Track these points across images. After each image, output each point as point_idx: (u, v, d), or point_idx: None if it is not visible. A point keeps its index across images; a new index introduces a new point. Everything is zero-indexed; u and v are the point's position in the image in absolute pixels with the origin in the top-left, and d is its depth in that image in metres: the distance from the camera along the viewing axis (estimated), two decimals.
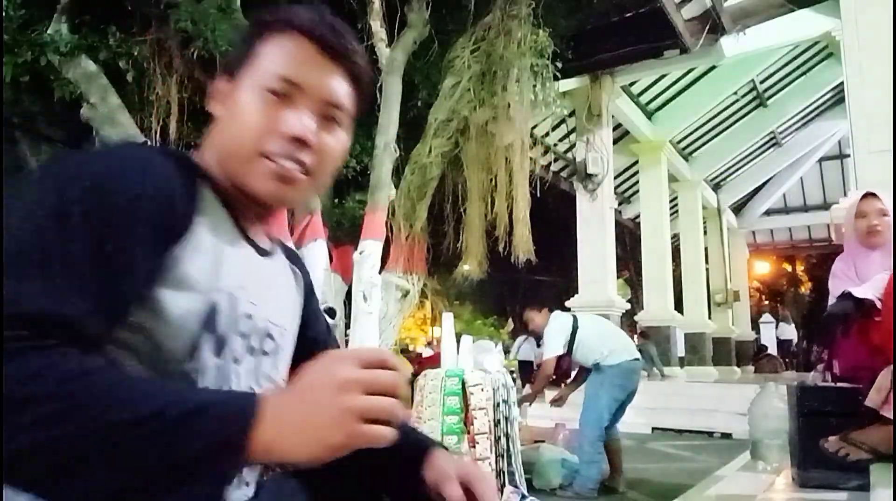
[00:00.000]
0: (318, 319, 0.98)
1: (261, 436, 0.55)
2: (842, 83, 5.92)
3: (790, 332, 16.22)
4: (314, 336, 0.95)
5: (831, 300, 2.46)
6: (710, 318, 12.00)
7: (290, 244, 0.95)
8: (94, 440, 0.51)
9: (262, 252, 0.83)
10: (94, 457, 0.51)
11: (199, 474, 0.54)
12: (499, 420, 3.36)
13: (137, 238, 0.63)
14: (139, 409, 0.53)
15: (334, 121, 0.79)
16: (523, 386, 14.23)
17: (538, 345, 16.09)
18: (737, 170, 13.88)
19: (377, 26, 5.78)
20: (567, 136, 9.52)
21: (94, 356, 0.57)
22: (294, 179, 0.76)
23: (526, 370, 14.76)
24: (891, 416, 1.90)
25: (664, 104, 10.33)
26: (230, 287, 0.73)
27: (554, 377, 4.47)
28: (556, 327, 4.25)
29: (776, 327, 16.56)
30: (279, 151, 0.74)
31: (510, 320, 25.29)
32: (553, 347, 4.15)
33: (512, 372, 15.31)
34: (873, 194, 2.51)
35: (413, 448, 0.87)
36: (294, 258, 0.96)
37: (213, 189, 0.76)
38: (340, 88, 0.79)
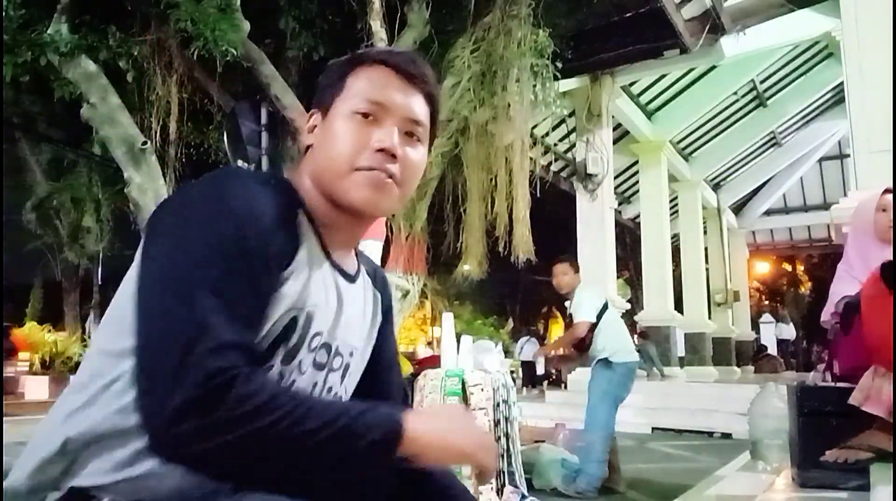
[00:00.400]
0: (389, 343, 1.05)
1: (411, 434, 0.72)
2: (842, 83, 5.91)
3: (788, 332, 16.23)
4: (381, 360, 1.02)
5: (829, 305, 2.45)
6: (710, 318, 12.00)
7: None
8: (298, 437, 0.67)
9: (346, 276, 0.91)
10: (298, 449, 0.68)
11: (366, 459, 0.70)
12: (499, 420, 3.36)
13: (272, 271, 0.76)
14: (327, 414, 0.69)
15: (415, 136, 0.89)
16: (524, 387, 14.29)
17: (540, 343, 15.92)
18: (737, 170, 13.88)
19: (377, 26, 5.78)
20: (567, 136, 9.52)
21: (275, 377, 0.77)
22: (385, 186, 0.85)
23: (529, 371, 14.79)
24: (873, 412, 1.91)
25: (664, 104, 10.33)
26: (308, 306, 0.82)
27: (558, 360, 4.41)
28: (593, 293, 4.16)
29: (776, 327, 16.57)
30: (370, 163, 0.84)
31: (510, 320, 25.31)
32: (588, 312, 4.02)
33: (512, 372, 15.31)
34: (893, 191, 2.50)
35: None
36: (379, 280, 1.04)
37: (306, 214, 0.85)
38: (419, 107, 0.89)
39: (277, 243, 0.76)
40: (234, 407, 0.64)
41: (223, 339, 0.66)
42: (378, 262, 5.43)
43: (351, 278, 0.92)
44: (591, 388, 4.04)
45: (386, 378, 1.02)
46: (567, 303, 4.33)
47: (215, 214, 0.73)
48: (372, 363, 0.99)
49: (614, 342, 4.03)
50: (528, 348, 14.99)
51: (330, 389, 0.89)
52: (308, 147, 0.90)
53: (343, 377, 0.92)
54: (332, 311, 0.86)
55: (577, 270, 4.23)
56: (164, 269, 0.71)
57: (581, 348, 4.09)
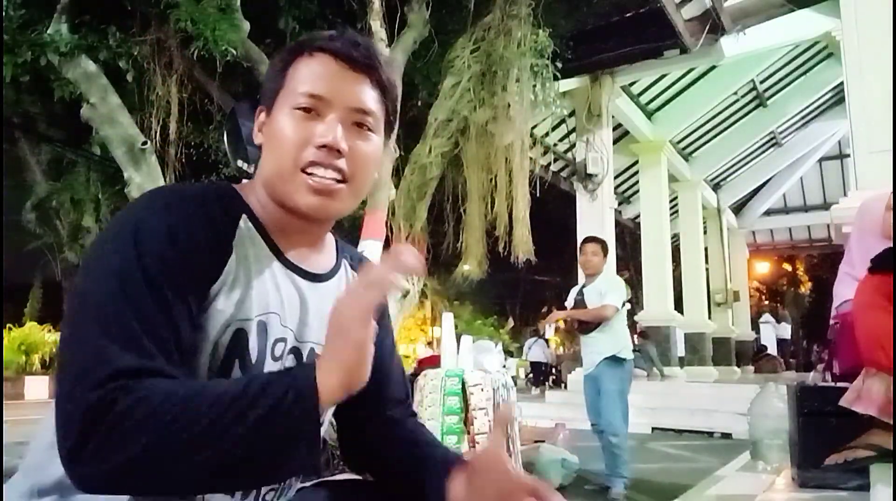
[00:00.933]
0: (382, 337, 0.97)
1: (324, 379, 0.65)
2: (842, 83, 5.91)
3: (783, 331, 16.24)
4: (375, 355, 0.96)
5: (833, 309, 2.46)
6: (710, 318, 12.01)
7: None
8: (205, 431, 0.62)
9: (308, 275, 0.86)
10: (214, 443, 0.62)
11: (291, 424, 0.64)
12: None
13: (189, 289, 0.72)
14: (227, 394, 0.64)
15: (365, 127, 0.82)
16: (530, 386, 14.36)
17: (547, 344, 15.82)
18: (737, 170, 13.88)
19: (377, 26, 5.78)
20: (567, 136, 9.51)
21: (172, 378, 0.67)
22: (332, 191, 0.80)
23: (537, 371, 14.92)
24: (864, 411, 1.93)
25: (664, 104, 10.33)
26: (259, 315, 0.78)
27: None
28: (621, 284, 4.13)
29: (775, 326, 16.57)
30: (314, 159, 0.78)
31: (510, 320, 25.33)
32: (618, 299, 3.92)
33: (526, 374, 15.26)
34: (894, 191, 2.51)
35: (440, 462, 0.87)
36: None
37: (252, 219, 0.81)
38: (366, 95, 0.82)
39: (196, 258, 0.72)
40: (118, 426, 0.61)
41: (110, 368, 0.63)
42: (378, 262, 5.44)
43: (317, 278, 0.87)
44: (604, 388, 3.83)
45: (383, 373, 0.95)
46: (573, 292, 4.21)
47: (118, 242, 0.71)
48: None
49: (625, 338, 3.96)
50: (535, 349, 15.04)
51: None
52: (261, 147, 0.85)
53: None
54: (293, 315, 0.83)
55: (606, 252, 4.15)
56: (69, 305, 0.70)
57: (584, 330, 3.97)
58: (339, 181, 0.80)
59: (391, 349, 1.01)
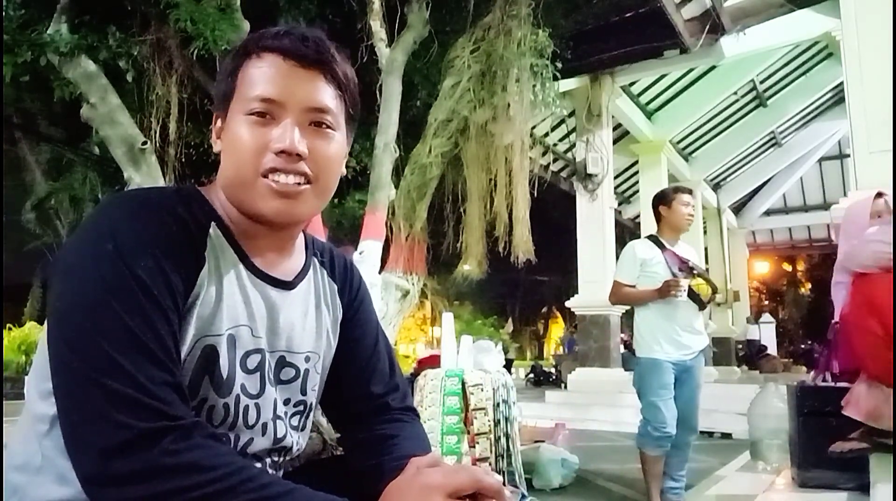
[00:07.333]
0: (365, 332, 0.96)
1: None
2: (842, 83, 5.90)
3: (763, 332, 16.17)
4: (357, 351, 0.94)
5: (836, 312, 2.46)
6: (710, 318, 12.00)
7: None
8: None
9: (278, 283, 0.83)
10: None
11: None
12: (499, 420, 3.36)
13: (174, 303, 0.69)
14: (264, 492, 0.63)
15: (324, 125, 0.79)
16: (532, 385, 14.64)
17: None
18: (737, 170, 13.88)
19: (377, 26, 5.78)
20: (567, 136, 9.51)
21: (213, 441, 0.67)
22: (295, 194, 0.77)
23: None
24: (852, 416, 1.96)
25: (664, 104, 10.32)
26: (229, 329, 0.75)
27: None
28: None
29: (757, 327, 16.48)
30: (274, 165, 0.75)
31: (510, 320, 25.33)
32: None
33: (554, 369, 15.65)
34: (894, 192, 2.53)
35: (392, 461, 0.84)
36: (339, 269, 0.95)
37: (221, 227, 0.78)
38: (322, 93, 0.78)
39: (177, 271, 0.70)
40: (162, 459, 0.60)
41: (148, 394, 0.62)
42: (378, 262, 5.42)
43: (287, 285, 0.84)
44: (700, 382, 3.12)
45: (368, 370, 0.93)
46: (659, 259, 3.54)
47: (98, 258, 0.67)
48: (347, 356, 0.92)
49: None
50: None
51: (287, 400, 0.84)
52: (220, 155, 0.82)
53: (303, 385, 0.86)
54: (263, 325, 0.80)
55: None
56: (63, 324, 0.66)
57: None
58: (301, 184, 0.77)
59: (373, 341, 0.97)
